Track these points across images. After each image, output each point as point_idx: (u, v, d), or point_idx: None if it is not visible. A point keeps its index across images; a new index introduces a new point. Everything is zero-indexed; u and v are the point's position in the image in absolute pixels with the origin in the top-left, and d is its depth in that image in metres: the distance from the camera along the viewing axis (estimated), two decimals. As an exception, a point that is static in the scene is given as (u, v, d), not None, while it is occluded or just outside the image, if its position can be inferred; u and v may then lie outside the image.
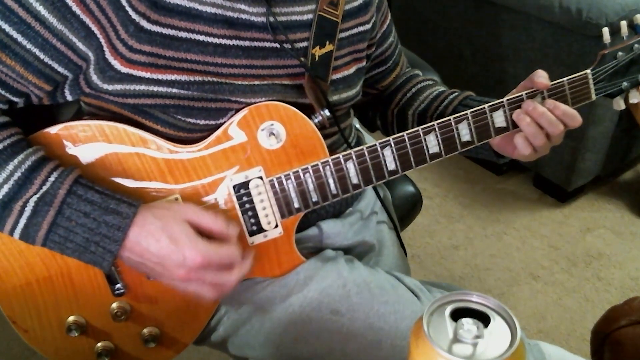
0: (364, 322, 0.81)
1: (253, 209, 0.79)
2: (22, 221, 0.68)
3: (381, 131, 1.07)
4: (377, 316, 0.81)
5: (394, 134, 0.80)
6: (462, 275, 1.87)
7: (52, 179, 0.69)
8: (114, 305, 0.79)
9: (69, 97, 0.75)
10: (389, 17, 1.00)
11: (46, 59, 0.68)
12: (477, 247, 1.97)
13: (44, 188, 0.68)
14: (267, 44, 0.77)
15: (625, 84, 0.87)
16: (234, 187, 0.78)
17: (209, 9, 0.72)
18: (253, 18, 0.75)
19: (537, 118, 0.79)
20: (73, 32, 0.68)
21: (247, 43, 0.76)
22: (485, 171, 2.28)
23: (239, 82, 0.76)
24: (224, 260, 0.72)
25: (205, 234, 0.72)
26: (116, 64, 0.70)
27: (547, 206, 2.12)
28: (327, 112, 0.80)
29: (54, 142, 0.74)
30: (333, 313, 0.81)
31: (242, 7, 0.74)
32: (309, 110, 0.79)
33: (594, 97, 0.86)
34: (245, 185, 0.78)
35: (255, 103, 0.76)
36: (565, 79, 0.83)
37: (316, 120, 0.80)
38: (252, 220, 0.79)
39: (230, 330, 0.86)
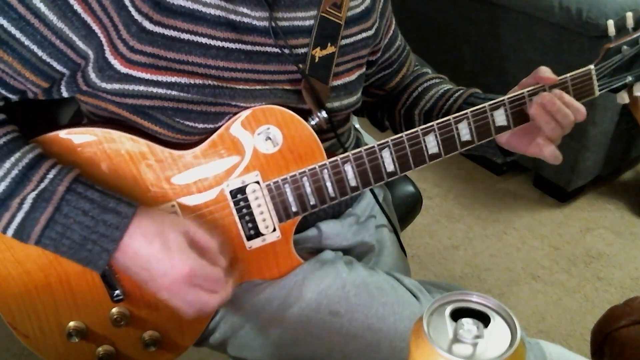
0: (363, 323, 0.81)
1: (250, 213, 0.79)
2: (20, 215, 0.67)
3: (391, 131, 1.06)
4: (376, 317, 0.81)
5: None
6: (462, 275, 1.87)
7: (50, 176, 0.68)
8: (114, 310, 0.79)
9: (65, 94, 0.74)
10: (394, 22, 1.00)
11: (44, 57, 0.68)
12: (477, 247, 1.97)
13: (42, 185, 0.68)
14: (269, 49, 0.77)
15: (630, 78, 0.86)
16: (231, 192, 0.77)
17: (212, 11, 0.71)
18: (255, 22, 0.75)
19: (552, 112, 0.79)
20: (73, 30, 0.67)
21: (249, 47, 0.75)
22: (485, 171, 2.28)
23: (240, 87, 0.75)
24: (209, 278, 0.71)
25: (197, 252, 0.71)
26: (116, 63, 0.70)
27: (547, 206, 2.12)
28: (324, 114, 0.80)
29: (51, 147, 0.73)
30: (332, 314, 0.81)
31: (245, 10, 0.74)
32: (309, 115, 0.79)
33: (597, 93, 0.85)
34: (242, 190, 0.78)
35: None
36: (568, 75, 0.82)
37: (313, 123, 0.79)
38: (250, 225, 0.79)
39: (229, 332, 0.86)
